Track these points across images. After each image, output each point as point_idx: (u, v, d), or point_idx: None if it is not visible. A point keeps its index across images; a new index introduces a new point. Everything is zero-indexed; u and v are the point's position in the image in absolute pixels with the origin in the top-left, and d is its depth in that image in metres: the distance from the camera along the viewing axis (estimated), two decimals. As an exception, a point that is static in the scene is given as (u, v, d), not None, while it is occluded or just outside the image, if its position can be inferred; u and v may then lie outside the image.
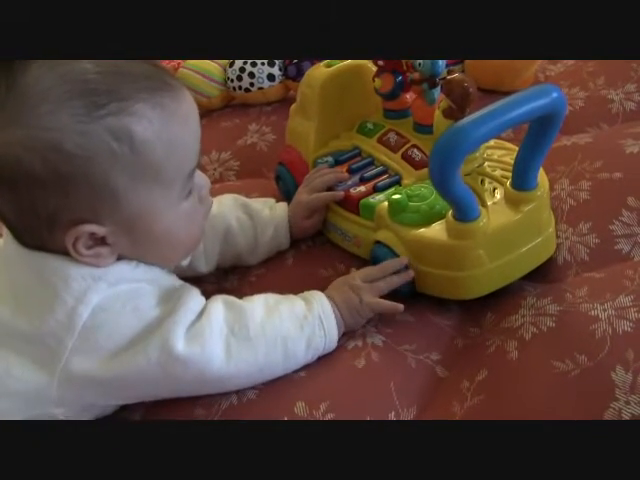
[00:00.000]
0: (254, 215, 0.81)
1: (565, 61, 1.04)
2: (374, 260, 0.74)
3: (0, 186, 0.58)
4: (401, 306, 0.69)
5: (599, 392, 0.56)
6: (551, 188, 0.79)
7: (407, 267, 0.70)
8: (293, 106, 0.91)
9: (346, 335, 0.68)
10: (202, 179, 0.67)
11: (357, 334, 0.69)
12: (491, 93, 0.93)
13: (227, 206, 0.81)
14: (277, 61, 1.11)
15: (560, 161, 0.83)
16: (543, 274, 0.72)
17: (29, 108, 0.55)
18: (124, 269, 0.62)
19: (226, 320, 0.63)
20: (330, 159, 0.85)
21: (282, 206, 0.83)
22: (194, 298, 0.64)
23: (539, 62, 1.01)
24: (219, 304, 0.64)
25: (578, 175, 0.79)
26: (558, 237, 0.74)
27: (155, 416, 0.64)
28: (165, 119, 0.59)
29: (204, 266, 0.79)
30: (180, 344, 0.60)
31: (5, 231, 0.63)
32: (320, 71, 0.87)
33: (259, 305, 0.65)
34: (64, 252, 0.60)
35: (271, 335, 0.63)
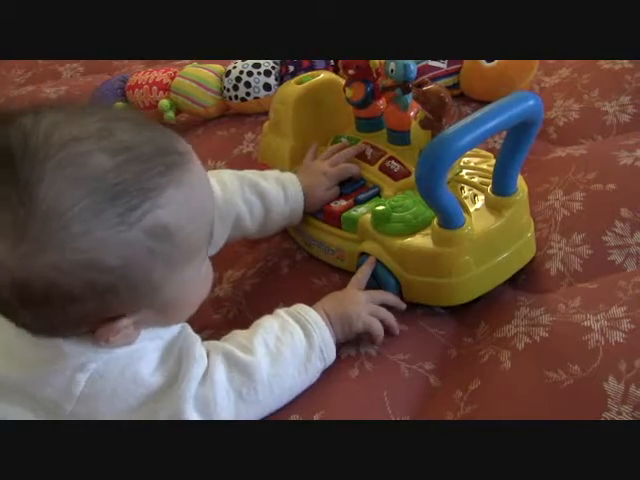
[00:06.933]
0: (266, 196, 0.78)
1: (560, 73, 1.05)
2: None
3: (29, 307, 0.53)
4: (382, 334, 0.69)
5: (591, 402, 0.57)
6: (545, 198, 0.80)
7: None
8: (266, 124, 0.91)
9: (339, 343, 0.68)
10: None
11: (351, 343, 0.69)
12: (487, 104, 0.93)
13: (233, 191, 0.77)
14: (273, 71, 1.11)
15: (554, 172, 0.83)
16: (536, 285, 0.72)
17: (59, 230, 0.49)
18: None
19: (232, 383, 0.61)
20: None
21: (293, 181, 0.80)
22: (197, 359, 0.61)
23: (534, 73, 1.02)
24: (220, 365, 0.61)
25: (572, 186, 0.80)
26: (551, 247, 0.74)
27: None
28: (187, 195, 0.55)
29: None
30: (190, 414, 0.58)
31: None
32: (292, 88, 0.87)
33: (262, 357, 0.62)
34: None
35: (279, 392, 0.63)
